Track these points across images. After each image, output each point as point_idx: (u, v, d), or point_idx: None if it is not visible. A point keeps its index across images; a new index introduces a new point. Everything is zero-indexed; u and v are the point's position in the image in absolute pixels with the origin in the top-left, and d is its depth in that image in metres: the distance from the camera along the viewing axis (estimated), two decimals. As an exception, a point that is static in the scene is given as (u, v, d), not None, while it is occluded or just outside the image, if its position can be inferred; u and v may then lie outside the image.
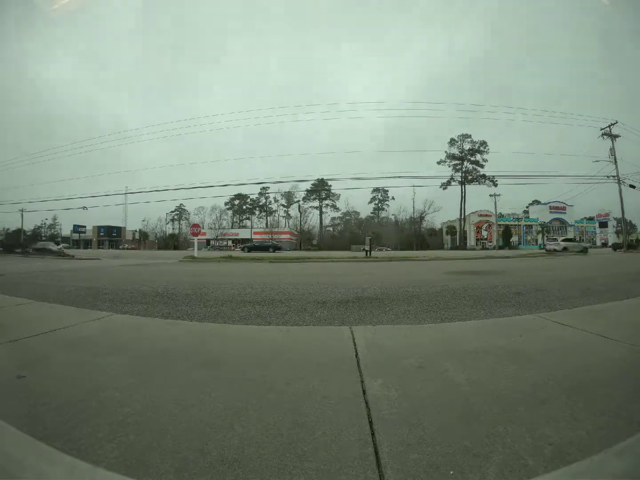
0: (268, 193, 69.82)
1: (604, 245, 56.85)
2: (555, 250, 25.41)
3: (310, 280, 7.29)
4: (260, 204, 75.44)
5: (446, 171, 59.43)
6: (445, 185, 59.16)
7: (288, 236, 64.41)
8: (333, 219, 75.47)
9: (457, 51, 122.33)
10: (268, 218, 74.48)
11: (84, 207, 42.76)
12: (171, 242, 68.66)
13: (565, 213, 63.29)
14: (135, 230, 72.19)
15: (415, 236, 64.93)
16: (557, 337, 2.44)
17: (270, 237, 60.05)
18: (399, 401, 1.48)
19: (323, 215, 72.19)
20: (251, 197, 72.14)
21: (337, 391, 1.59)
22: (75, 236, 65.93)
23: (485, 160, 59.42)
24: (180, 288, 5.73)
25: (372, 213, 75.79)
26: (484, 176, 57.84)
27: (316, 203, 71.82)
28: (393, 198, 73.02)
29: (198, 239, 20.93)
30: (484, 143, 59.41)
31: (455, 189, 60.73)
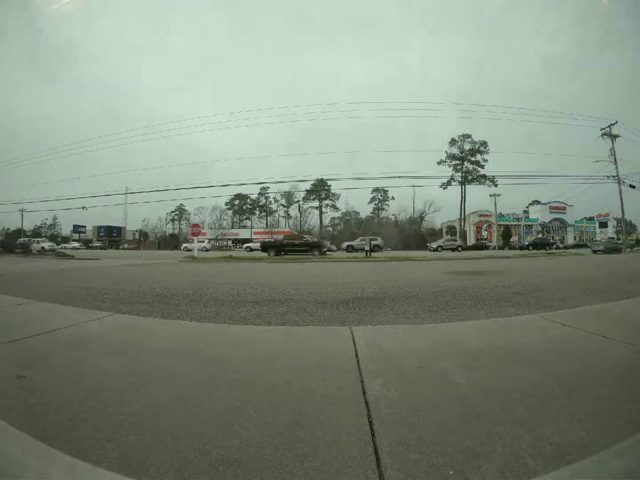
0: (268, 193, 69.88)
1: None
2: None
3: (310, 280, 7.29)
4: (261, 204, 75.46)
5: (446, 171, 59.46)
6: (445, 186, 59.18)
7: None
8: (333, 219, 75.47)
9: (449, 52, 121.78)
10: (268, 218, 74.52)
11: (84, 207, 42.79)
12: (171, 242, 68.64)
13: (565, 213, 63.32)
14: (136, 231, 72.21)
15: (415, 236, 64.91)
16: (557, 337, 2.44)
17: (271, 237, 60.09)
18: (399, 401, 1.48)
19: (323, 215, 72.23)
20: (251, 197, 72.20)
21: (337, 391, 1.59)
22: (75, 236, 65.95)
23: (485, 161, 59.46)
24: (180, 288, 5.73)
25: (372, 213, 75.78)
26: (484, 176, 57.86)
27: (316, 203, 71.85)
28: (393, 198, 72.98)
29: (198, 239, 20.93)
30: (484, 143, 59.41)
31: (455, 189, 60.77)
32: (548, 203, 61.43)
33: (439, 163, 60.59)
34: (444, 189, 60.06)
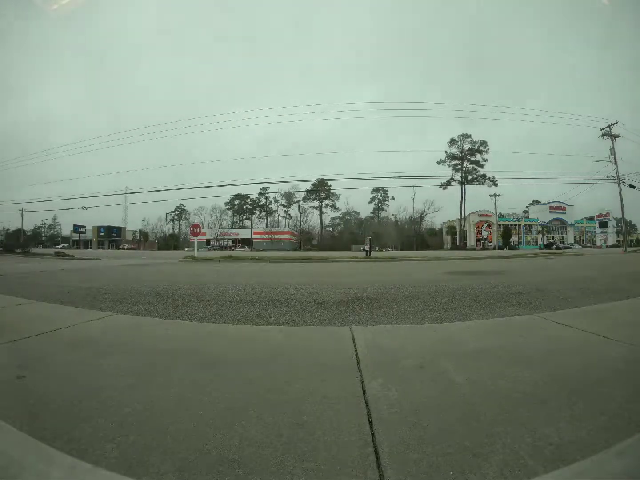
0: (268, 193, 69.89)
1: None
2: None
3: (310, 280, 7.29)
4: (261, 204, 75.48)
5: (446, 171, 59.47)
6: (445, 185, 59.19)
7: (288, 236, 64.43)
8: (333, 219, 75.53)
9: (448, 54, 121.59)
10: (268, 218, 74.54)
11: (84, 207, 42.77)
12: (171, 242, 68.68)
13: (565, 213, 63.29)
14: (135, 231, 72.20)
15: (415, 236, 64.91)
16: (557, 337, 2.44)
17: (271, 237, 60.19)
18: (399, 401, 1.48)
19: (323, 215, 72.26)
20: (251, 197, 72.18)
21: (337, 391, 1.59)
22: (75, 236, 65.95)
23: (485, 160, 59.48)
24: (180, 288, 5.73)
25: (372, 213, 75.81)
26: (484, 176, 57.88)
27: (316, 203, 71.87)
28: (393, 198, 73.03)
29: (198, 239, 20.93)
30: (484, 143, 59.44)
31: (455, 189, 60.78)
32: (548, 203, 61.42)
33: (439, 163, 60.62)
34: (443, 189, 60.11)
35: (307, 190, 68.80)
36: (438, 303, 4.18)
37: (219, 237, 63.13)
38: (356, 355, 2.08)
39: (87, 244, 66.50)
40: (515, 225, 63.83)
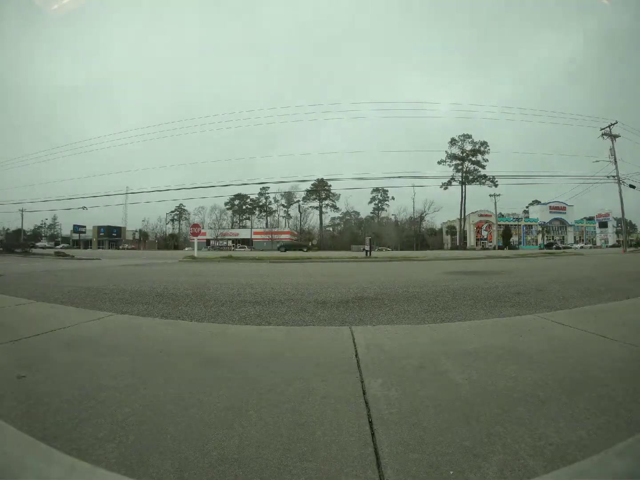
0: (268, 193, 69.87)
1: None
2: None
3: (310, 280, 7.29)
4: (261, 204, 75.45)
5: (447, 171, 59.55)
6: (445, 186, 59.24)
7: (288, 236, 64.41)
8: (333, 219, 75.52)
9: (452, 48, 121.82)
10: (268, 218, 74.54)
11: (84, 207, 42.85)
12: (171, 242, 68.71)
13: (565, 213, 63.33)
14: (135, 231, 72.20)
15: (415, 236, 64.94)
16: (557, 337, 2.44)
17: (271, 237, 60.19)
18: (399, 401, 1.48)
19: (323, 215, 72.25)
20: (251, 197, 72.17)
21: (337, 391, 1.59)
22: (75, 236, 65.97)
23: (486, 161, 59.53)
24: (180, 288, 5.73)
25: (372, 213, 75.81)
26: (484, 176, 57.93)
27: (316, 203, 71.86)
28: (393, 198, 73.09)
29: (198, 239, 20.92)
30: (484, 143, 59.49)
31: (455, 189, 60.82)
32: (548, 203, 61.44)
33: (439, 163, 60.69)
34: (444, 189, 60.14)
35: (307, 190, 68.84)
36: (438, 303, 4.18)
37: (219, 237, 63.15)
38: (356, 355, 2.08)
39: (87, 244, 66.50)
40: (515, 225, 63.88)
